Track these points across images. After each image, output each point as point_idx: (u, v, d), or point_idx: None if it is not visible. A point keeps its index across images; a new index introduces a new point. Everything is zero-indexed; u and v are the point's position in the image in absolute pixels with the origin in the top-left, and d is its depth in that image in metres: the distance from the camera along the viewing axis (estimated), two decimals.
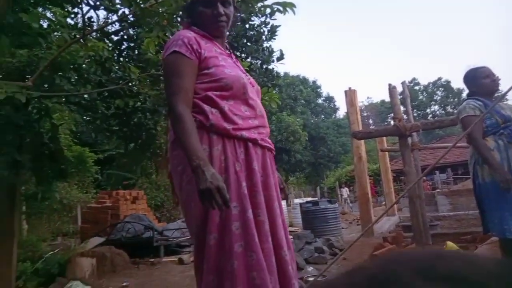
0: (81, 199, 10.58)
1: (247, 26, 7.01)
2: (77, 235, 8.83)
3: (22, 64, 2.77)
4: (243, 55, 6.74)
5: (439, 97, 48.30)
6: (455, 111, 3.07)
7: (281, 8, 2.81)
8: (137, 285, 5.18)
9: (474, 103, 2.80)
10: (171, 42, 1.67)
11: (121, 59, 4.97)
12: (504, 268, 0.23)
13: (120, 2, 3.37)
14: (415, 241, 4.86)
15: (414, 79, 49.63)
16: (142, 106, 4.77)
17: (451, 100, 46.11)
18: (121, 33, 5.16)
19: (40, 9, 3.93)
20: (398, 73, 79.84)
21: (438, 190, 13.93)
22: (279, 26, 7.77)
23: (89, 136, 6.31)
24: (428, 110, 48.03)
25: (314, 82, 37.93)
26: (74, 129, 9.22)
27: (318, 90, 38.19)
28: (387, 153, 10.15)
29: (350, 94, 7.63)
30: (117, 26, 4.90)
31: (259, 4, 3.17)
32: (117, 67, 4.33)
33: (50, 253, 6.18)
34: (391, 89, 4.67)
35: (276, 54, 5.90)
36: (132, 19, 3.97)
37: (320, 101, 38.22)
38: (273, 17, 6.91)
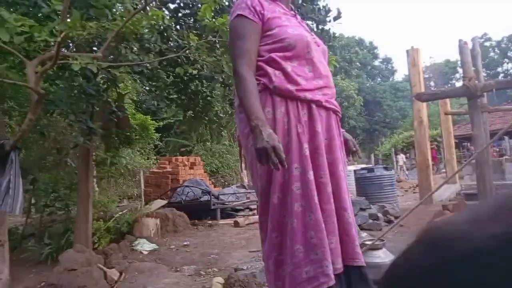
0: (143, 165, 11.25)
1: None
2: (141, 198, 9.46)
3: (91, 36, 2.93)
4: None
5: None
6: None
7: None
8: (197, 245, 5.50)
9: None
10: (236, 5, 1.69)
11: (178, 27, 5.05)
12: None
13: None
14: None
15: (484, 34, 45.32)
16: (199, 73, 4.86)
17: None
18: (178, 0, 5.22)
19: None
20: (466, 29, 73.27)
21: (506, 157, 12.98)
22: None
23: (150, 105, 6.58)
24: (499, 69, 44.02)
25: (370, 43, 36.25)
26: (135, 99, 9.68)
27: (375, 51, 36.47)
28: (450, 117, 9.58)
29: (412, 54, 7.22)
30: None
31: None
32: (176, 35, 4.41)
33: (120, 213, 6.70)
34: (462, 45, 4.31)
35: (332, 13, 5.64)
36: None
37: (376, 63, 36.55)
38: None
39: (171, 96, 5.85)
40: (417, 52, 7.38)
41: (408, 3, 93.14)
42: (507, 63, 44.09)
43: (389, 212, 6.27)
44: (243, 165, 9.58)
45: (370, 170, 8.54)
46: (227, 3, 4.56)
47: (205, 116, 6.56)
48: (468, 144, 18.44)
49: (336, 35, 6.15)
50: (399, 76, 37.75)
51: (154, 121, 7.80)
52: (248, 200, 8.69)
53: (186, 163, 11.09)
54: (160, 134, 10.99)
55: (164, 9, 4.99)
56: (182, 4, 5.22)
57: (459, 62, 42.38)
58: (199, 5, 4.03)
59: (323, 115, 1.64)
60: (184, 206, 7.65)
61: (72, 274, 3.35)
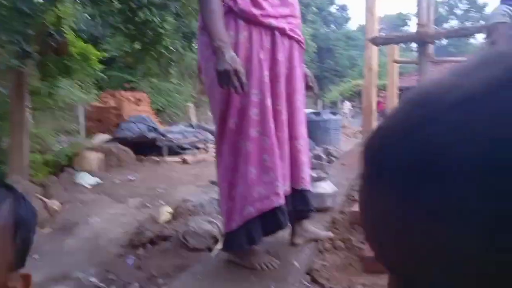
0: (83, 99, 10.57)
1: None
2: (79, 133, 9.05)
3: None
4: None
5: (461, 11, 45.48)
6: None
7: None
8: (143, 180, 5.45)
9: (506, 9, 2.46)
10: None
11: None
12: None
13: None
14: None
15: None
16: (149, 0, 4.50)
17: (473, 14, 43.57)
18: None
19: None
20: None
21: None
22: None
23: (92, 33, 6.06)
24: (445, 25, 45.65)
25: None
26: (75, 27, 8.80)
27: None
28: (397, 66, 9.91)
29: (370, 1, 7.18)
30: None
31: None
32: None
33: (59, 147, 6.37)
34: None
35: None
36: None
37: (333, 9, 36.24)
38: None
39: (117, 25, 5.42)
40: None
41: None
42: (453, 19, 45.72)
43: (331, 153, 6.58)
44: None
45: (318, 114, 8.87)
46: None
47: (154, 49, 6.19)
48: None
49: None
50: (353, 25, 37.95)
51: (97, 52, 7.22)
52: (196, 139, 8.64)
53: (132, 99, 10.65)
54: (102, 67, 10.29)
55: None
56: None
57: (410, 15, 43.24)
58: None
59: (286, 44, 1.62)
60: (129, 142, 7.45)
61: None
